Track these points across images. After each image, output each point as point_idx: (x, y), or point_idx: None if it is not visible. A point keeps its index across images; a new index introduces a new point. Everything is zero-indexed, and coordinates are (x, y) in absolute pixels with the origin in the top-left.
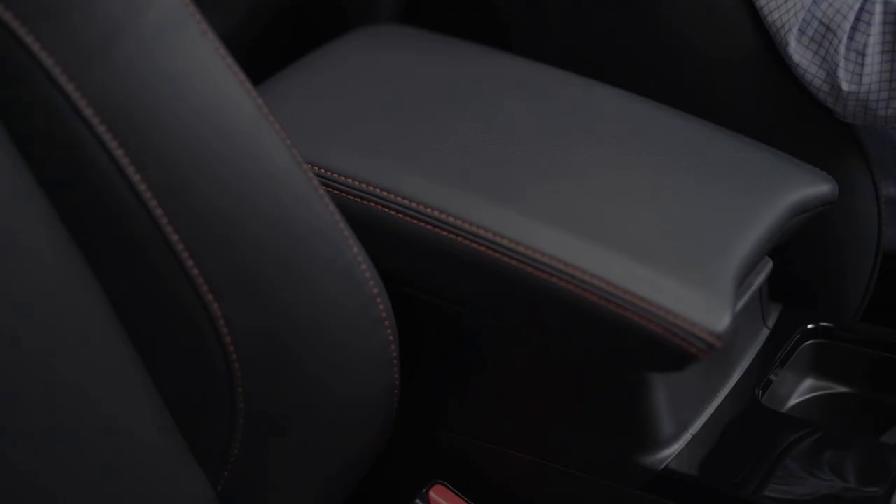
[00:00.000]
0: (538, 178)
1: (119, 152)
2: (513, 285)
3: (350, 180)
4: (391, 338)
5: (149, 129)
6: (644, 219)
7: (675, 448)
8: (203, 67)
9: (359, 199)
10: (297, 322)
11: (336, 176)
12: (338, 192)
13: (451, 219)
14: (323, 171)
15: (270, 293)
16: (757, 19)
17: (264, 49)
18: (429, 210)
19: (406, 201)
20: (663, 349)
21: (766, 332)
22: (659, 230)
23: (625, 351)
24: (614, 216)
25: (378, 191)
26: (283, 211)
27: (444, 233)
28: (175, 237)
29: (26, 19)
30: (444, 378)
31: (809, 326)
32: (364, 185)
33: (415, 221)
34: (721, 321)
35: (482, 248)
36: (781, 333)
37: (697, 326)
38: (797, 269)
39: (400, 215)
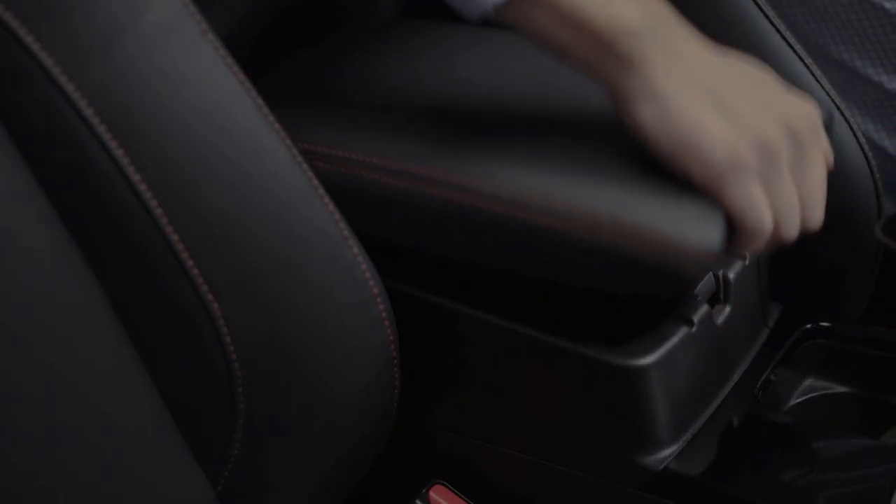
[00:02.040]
0: (511, 128)
1: (119, 152)
2: (495, 230)
3: (333, 151)
4: (391, 338)
5: (149, 129)
6: (619, 155)
7: (675, 448)
8: (203, 67)
9: (342, 168)
10: (297, 322)
11: (320, 149)
12: (322, 165)
13: (429, 172)
14: (307, 146)
15: (270, 293)
16: None
17: (264, 49)
18: (406, 167)
19: (386, 162)
20: (654, 272)
21: (766, 332)
22: (635, 165)
23: (615, 280)
24: (589, 155)
25: (359, 156)
26: (284, 211)
27: (424, 186)
28: (175, 237)
29: (26, 19)
30: (444, 378)
31: (809, 326)
32: (346, 154)
33: (394, 181)
34: (711, 238)
35: (465, 199)
36: (781, 333)
37: (687, 245)
38: (797, 268)
39: (379, 177)
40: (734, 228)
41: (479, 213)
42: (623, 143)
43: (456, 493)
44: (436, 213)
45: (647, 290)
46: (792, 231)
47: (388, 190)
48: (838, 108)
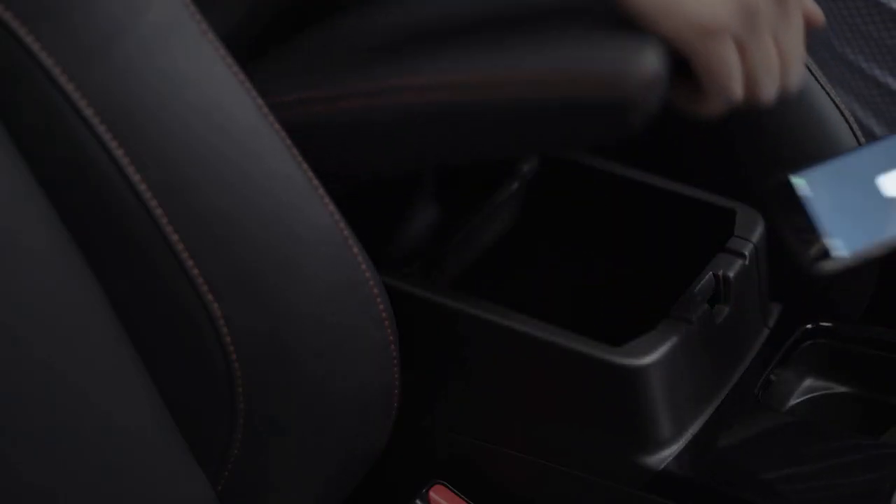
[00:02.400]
0: (451, 29)
1: (119, 152)
2: (450, 118)
3: (293, 97)
4: (391, 338)
5: (149, 129)
6: (541, 30)
7: (675, 448)
8: (203, 67)
9: (302, 110)
10: (297, 322)
11: (281, 98)
12: (290, 113)
13: (372, 86)
14: (271, 99)
15: (270, 293)
16: None
17: (264, 49)
18: (347, 89)
19: (331, 92)
20: (604, 108)
21: (766, 332)
22: (563, 32)
23: (567, 132)
24: (521, 25)
25: (308, 94)
26: (284, 211)
27: (373, 100)
28: (175, 237)
29: (26, 19)
30: (445, 378)
31: (809, 326)
32: (306, 95)
33: (346, 105)
34: (650, 61)
35: (410, 98)
36: (781, 333)
37: (626, 69)
38: (797, 268)
39: (333, 107)
40: (701, 85)
41: (428, 107)
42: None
43: (456, 493)
44: (390, 122)
45: (602, 130)
46: (769, 91)
47: (344, 115)
48: (837, 107)
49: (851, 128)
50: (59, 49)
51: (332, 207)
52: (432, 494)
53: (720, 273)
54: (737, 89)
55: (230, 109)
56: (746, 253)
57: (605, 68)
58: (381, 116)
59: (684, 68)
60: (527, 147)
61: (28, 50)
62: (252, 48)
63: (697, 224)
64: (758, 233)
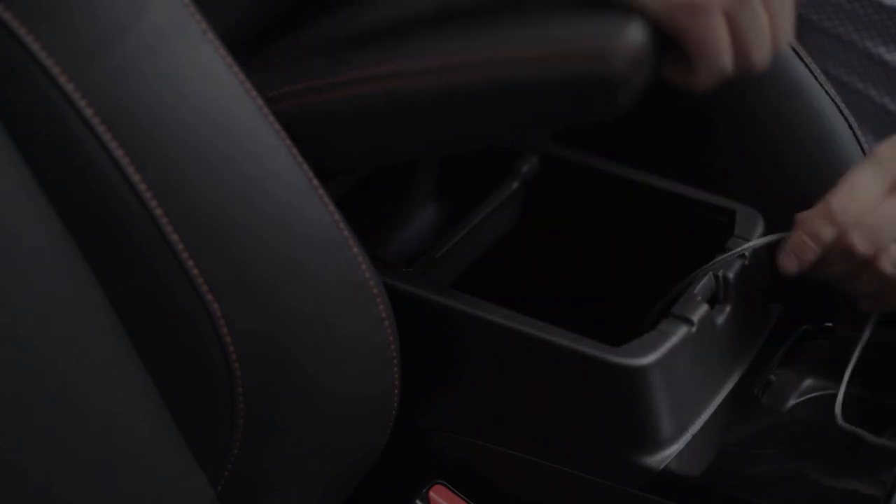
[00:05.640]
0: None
1: (119, 152)
2: (439, 103)
3: (284, 89)
4: (391, 338)
5: (149, 129)
6: (524, 10)
7: (675, 448)
8: (203, 67)
9: (297, 101)
10: (296, 322)
11: (274, 92)
12: (283, 105)
13: (362, 73)
14: (265, 93)
15: (270, 293)
16: None
17: (264, 48)
18: (340, 77)
19: (327, 79)
20: (588, 84)
21: (765, 333)
22: (547, 11)
23: (553, 110)
24: (497, 16)
25: (302, 84)
26: (283, 210)
27: (364, 87)
28: (175, 237)
29: (26, 19)
30: (444, 378)
31: (809, 326)
32: (296, 87)
33: (341, 94)
34: (634, 34)
35: (400, 83)
36: (781, 333)
37: (608, 40)
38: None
39: (325, 96)
40: (691, 58)
41: (416, 92)
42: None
43: (456, 493)
44: (378, 109)
45: (587, 107)
46: (762, 57)
47: (333, 104)
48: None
49: (851, 127)
50: (59, 49)
51: (332, 207)
52: (432, 494)
53: (720, 273)
54: (728, 62)
55: (230, 109)
56: (746, 253)
57: (589, 43)
58: (370, 103)
59: (673, 42)
60: (514, 127)
61: (28, 50)
62: (252, 47)
63: (697, 224)
64: (758, 233)
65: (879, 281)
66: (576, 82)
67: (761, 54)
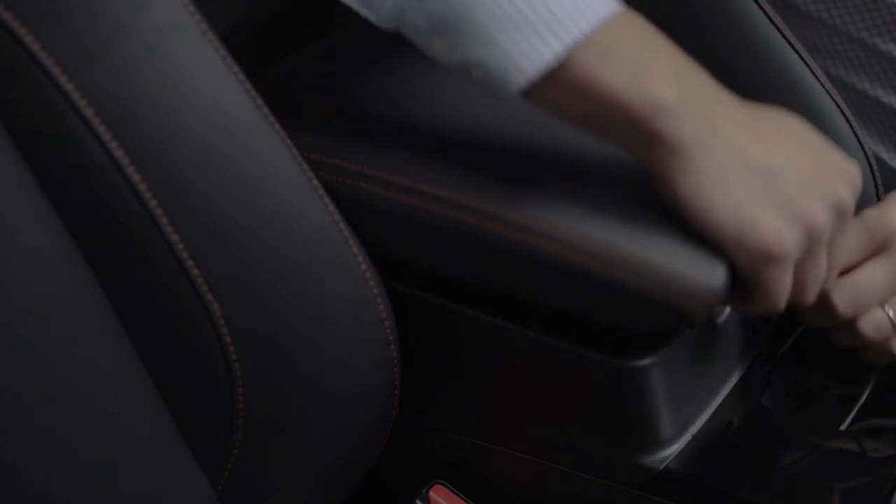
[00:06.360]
0: (523, 153)
1: (119, 152)
2: (500, 253)
3: (340, 162)
4: (391, 338)
5: (149, 130)
6: (628, 189)
7: (675, 448)
8: (203, 67)
9: (349, 181)
10: (296, 322)
11: (327, 160)
12: (328, 176)
13: (436, 191)
14: (312, 156)
15: (270, 293)
16: None
17: (264, 49)
18: (415, 185)
19: (395, 178)
20: (658, 309)
21: (765, 332)
22: (644, 200)
23: (617, 312)
24: (599, 187)
25: (367, 170)
26: (283, 211)
27: (432, 206)
28: (175, 237)
29: (26, 19)
30: (444, 378)
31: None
32: (353, 167)
33: (403, 197)
34: (715, 281)
35: (469, 219)
36: (781, 333)
37: (693, 283)
38: None
39: (387, 192)
40: (749, 292)
41: (486, 235)
42: (633, 177)
43: (456, 493)
44: (441, 232)
45: (647, 325)
46: (815, 295)
47: (395, 206)
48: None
49: (851, 127)
50: (59, 49)
51: (332, 207)
52: (432, 494)
53: None
54: (784, 302)
55: (230, 109)
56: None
57: (677, 280)
58: (434, 222)
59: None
60: (565, 304)
61: (28, 50)
62: (252, 48)
63: None
64: None
65: (861, 339)
66: (644, 300)
67: (812, 296)
